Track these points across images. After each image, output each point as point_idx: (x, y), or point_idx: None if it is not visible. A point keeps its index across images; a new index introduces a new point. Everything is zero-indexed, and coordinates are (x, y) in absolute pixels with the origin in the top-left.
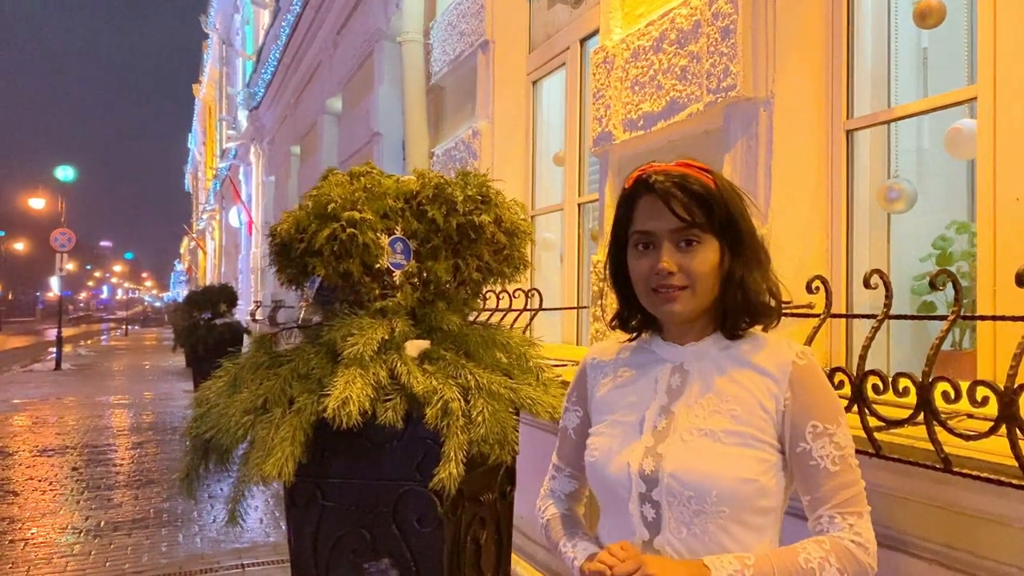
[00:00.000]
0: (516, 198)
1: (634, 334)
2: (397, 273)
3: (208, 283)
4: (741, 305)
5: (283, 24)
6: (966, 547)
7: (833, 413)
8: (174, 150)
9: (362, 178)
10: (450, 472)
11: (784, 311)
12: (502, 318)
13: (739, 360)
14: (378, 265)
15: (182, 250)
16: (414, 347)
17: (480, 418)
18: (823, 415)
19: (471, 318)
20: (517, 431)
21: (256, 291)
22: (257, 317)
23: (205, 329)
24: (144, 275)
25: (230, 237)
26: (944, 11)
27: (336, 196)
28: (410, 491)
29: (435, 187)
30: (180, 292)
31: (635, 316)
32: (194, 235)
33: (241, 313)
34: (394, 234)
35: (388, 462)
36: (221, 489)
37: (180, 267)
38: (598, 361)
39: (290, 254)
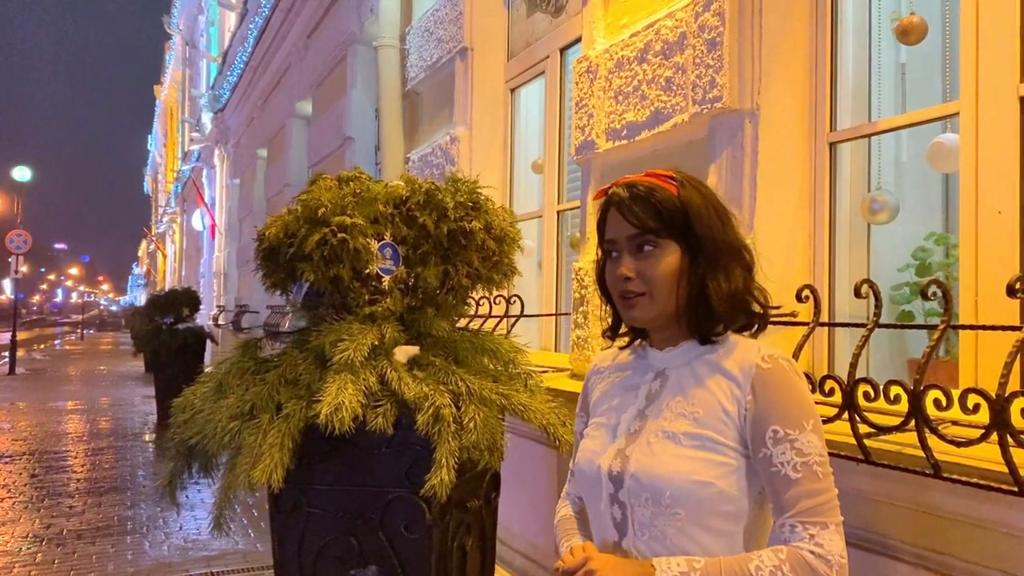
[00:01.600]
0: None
1: (626, 343)
2: (386, 279)
3: (168, 287)
4: (703, 308)
5: (250, 26)
6: (949, 550)
7: (796, 418)
8: (133, 152)
9: (351, 183)
10: (442, 478)
11: (771, 319)
12: (482, 324)
13: (710, 364)
14: (368, 270)
15: (140, 253)
16: (403, 353)
17: (472, 424)
18: (784, 420)
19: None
20: (504, 436)
21: (219, 295)
22: (220, 322)
23: (168, 334)
24: (100, 278)
25: (191, 240)
26: (925, 28)
27: (326, 201)
28: (398, 498)
29: (425, 193)
30: (138, 296)
31: (621, 325)
32: (154, 238)
33: (203, 318)
34: (383, 239)
35: (376, 469)
36: (187, 496)
37: (138, 270)
38: (598, 367)
39: (278, 258)
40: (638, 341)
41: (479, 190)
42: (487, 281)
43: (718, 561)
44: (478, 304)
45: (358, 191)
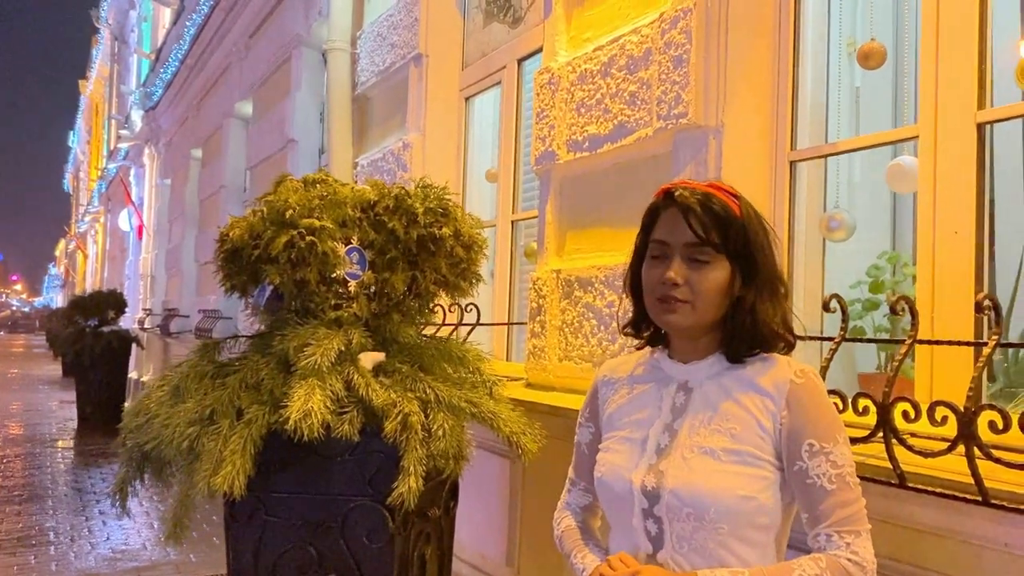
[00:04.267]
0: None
1: (644, 344)
2: (352, 283)
3: (88, 288)
4: (749, 332)
5: (187, 24)
6: (911, 560)
7: (831, 432)
8: (53, 148)
9: (318, 185)
10: (409, 486)
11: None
12: (436, 331)
13: (741, 379)
14: (335, 274)
15: (58, 253)
16: (368, 359)
17: (440, 432)
18: (820, 434)
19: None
20: (471, 445)
21: (145, 298)
22: (146, 326)
23: (92, 336)
24: (13, 278)
25: (116, 241)
26: (885, 54)
27: (294, 203)
28: (360, 506)
29: (395, 198)
30: (54, 297)
31: (647, 326)
32: (74, 237)
33: (126, 321)
34: (351, 243)
35: (339, 476)
36: (112, 506)
37: (55, 271)
38: (609, 378)
39: (241, 260)
40: (649, 349)
41: (448, 196)
42: (454, 288)
43: (762, 571)
44: (431, 311)
45: (325, 194)
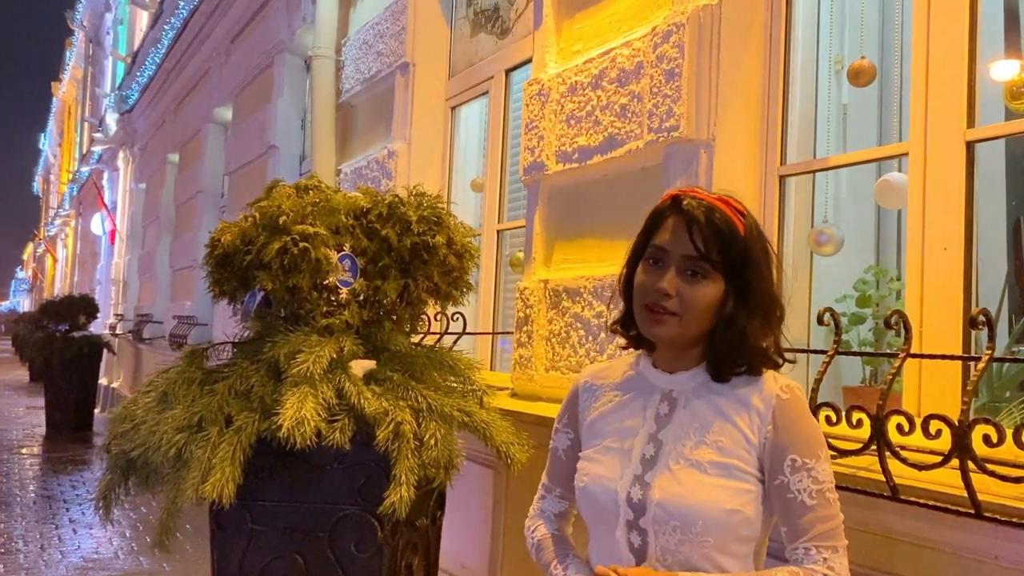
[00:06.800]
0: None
1: (630, 343)
2: (344, 291)
3: (57, 293)
4: (736, 352)
5: (165, 27)
6: (901, 572)
7: (813, 447)
8: (21, 150)
9: (311, 192)
10: (401, 495)
11: None
12: (421, 339)
13: (726, 392)
14: (327, 281)
15: (25, 256)
16: (359, 367)
17: (432, 441)
18: (802, 449)
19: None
20: (461, 454)
21: (117, 303)
22: (117, 331)
23: (62, 341)
24: None
25: (87, 245)
26: (875, 72)
27: (287, 209)
28: (349, 515)
29: (388, 206)
30: (21, 301)
31: (634, 326)
32: (43, 241)
33: (96, 326)
34: (343, 250)
35: (327, 485)
36: (83, 513)
37: (23, 274)
38: (590, 384)
39: (232, 266)
40: (634, 356)
41: (440, 205)
42: (446, 296)
43: None
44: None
45: (318, 200)
